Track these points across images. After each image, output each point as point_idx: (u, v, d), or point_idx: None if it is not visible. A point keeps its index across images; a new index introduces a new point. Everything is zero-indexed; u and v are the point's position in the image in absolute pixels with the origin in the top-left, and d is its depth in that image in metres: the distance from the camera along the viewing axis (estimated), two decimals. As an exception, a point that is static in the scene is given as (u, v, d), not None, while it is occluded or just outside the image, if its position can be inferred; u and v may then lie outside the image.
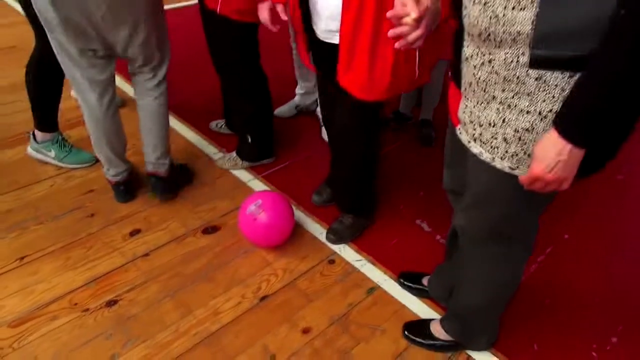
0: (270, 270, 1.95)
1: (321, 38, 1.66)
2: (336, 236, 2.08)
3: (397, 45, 1.05)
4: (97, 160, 2.39)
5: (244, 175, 2.45)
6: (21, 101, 2.86)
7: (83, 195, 2.25)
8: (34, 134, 2.39)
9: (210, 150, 2.61)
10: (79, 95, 1.93)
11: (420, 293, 1.87)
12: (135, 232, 2.08)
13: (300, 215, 2.22)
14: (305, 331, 1.72)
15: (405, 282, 1.90)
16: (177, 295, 1.83)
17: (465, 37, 1.06)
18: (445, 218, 2.23)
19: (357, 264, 2.00)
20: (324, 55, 1.71)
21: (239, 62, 2.20)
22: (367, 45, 1.51)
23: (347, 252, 2.06)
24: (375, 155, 1.99)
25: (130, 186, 2.24)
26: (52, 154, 2.39)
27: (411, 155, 2.68)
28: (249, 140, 2.41)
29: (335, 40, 1.58)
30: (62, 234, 2.04)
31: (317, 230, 2.15)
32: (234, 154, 2.49)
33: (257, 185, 2.39)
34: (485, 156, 1.09)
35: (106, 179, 2.21)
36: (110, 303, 1.78)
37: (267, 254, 2.02)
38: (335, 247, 2.07)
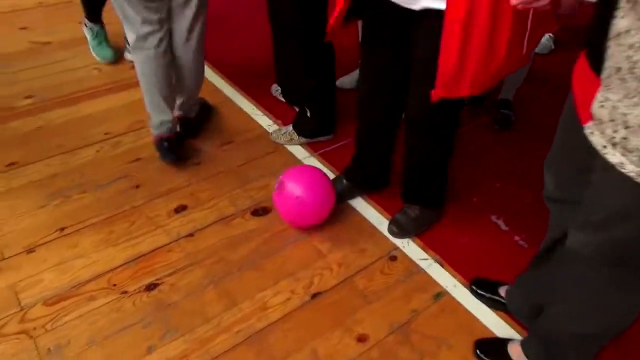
0: (323, 263, 1.75)
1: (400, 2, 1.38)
2: (400, 229, 1.85)
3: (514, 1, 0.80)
4: (116, 60, 2.73)
5: (299, 151, 2.24)
6: (74, 58, 2.76)
7: (129, 164, 2.11)
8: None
9: (265, 121, 2.41)
10: (131, 32, 1.88)
11: (495, 304, 1.62)
12: (181, 209, 1.93)
13: (359, 202, 1.99)
14: (361, 339, 1.52)
15: (479, 290, 1.65)
16: (221, 283, 1.66)
17: (622, 3, 0.77)
18: (525, 216, 1.97)
19: (422, 264, 1.77)
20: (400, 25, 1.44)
21: (301, 24, 1.96)
22: (487, 13, 1.22)
23: (411, 249, 1.82)
24: (455, 137, 1.74)
25: (175, 145, 2.07)
26: (89, 38, 2.76)
27: (485, 138, 2.38)
28: (308, 114, 2.19)
29: (434, 3, 1.30)
30: (106, 205, 1.92)
31: (378, 220, 1.92)
32: (290, 127, 2.28)
33: (313, 163, 2.18)
34: (629, 169, 0.82)
35: (152, 138, 2.08)
36: (151, 287, 1.64)
37: (320, 244, 1.82)
38: (398, 242, 1.84)
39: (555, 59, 2.95)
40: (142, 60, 1.93)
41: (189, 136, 2.22)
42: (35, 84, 2.56)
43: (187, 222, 1.88)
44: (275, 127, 2.36)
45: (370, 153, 1.92)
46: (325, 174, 1.85)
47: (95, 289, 1.63)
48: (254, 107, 2.49)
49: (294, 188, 1.74)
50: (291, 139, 2.26)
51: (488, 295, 1.63)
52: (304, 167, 1.91)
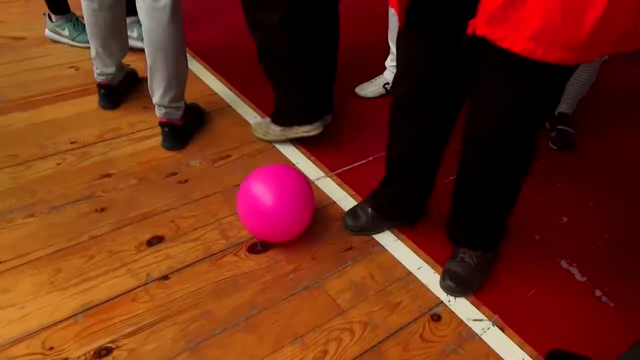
0: (342, 322, 1.28)
1: None
2: (460, 284, 1.37)
3: None
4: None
5: (311, 170, 1.79)
6: (48, 56, 2.35)
7: (96, 181, 1.67)
8: (49, 15, 2.40)
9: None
10: None
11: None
12: (155, 241, 1.47)
13: (388, 237, 1.53)
14: None
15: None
16: (200, 349, 1.20)
17: None
18: (605, 261, 1.49)
19: (476, 327, 1.30)
20: None
21: None
22: None
23: (459, 305, 1.35)
24: (531, 163, 1.28)
25: (115, 94, 2.02)
26: (66, 32, 2.41)
27: (544, 162, 1.92)
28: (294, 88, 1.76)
29: None
30: (58, 234, 1.46)
31: (415, 262, 1.46)
32: (267, 119, 1.89)
33: (328, 184, 1.72)
34: None
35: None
36: (102, 352, 1.18)
37: (338, 294, 1.35)
38: (442, 295, 1.37)
39: (617, 67, 2.51)
40: (85, 10, 1.82)
41: (174, 148, 1.83)
42: (-3, 82, 2.14)
43: (162, 259, 1.42)
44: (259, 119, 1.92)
45: (405, 178, 1.46)
46: (299, 176, 1.45)
47: (23, 354, 1.16)
48: (257, 116, 2.05)
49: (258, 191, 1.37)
50: (267, 132, 1.87)
51: None
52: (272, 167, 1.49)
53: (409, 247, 1.50)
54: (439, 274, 1.43)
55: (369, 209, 1.53)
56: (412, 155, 1.40)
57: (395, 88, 1.37)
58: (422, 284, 1.40)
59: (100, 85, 2.00)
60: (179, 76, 1.74)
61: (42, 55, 2.36)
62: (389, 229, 1.55)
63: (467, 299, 1.36)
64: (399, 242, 1.52)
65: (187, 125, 1.87)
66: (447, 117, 1.31)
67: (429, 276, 1.42)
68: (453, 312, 1.33)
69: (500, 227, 1.43)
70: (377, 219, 1.53)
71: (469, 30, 0.99)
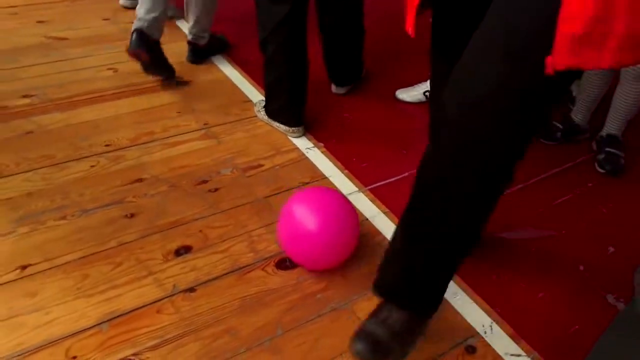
0: (372, 348, 1.22)
1: None
2: (375, 351, 1.06)
3: None
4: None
5: (344, 184, 1.73)
6: (88, 57, 2.38)
7: (128, 186, 1.66)
8: None
9: (304, 143, 1.92)
10: None
11: None
12: (183, 250, 1.44)
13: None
14: None
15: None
16: (223, 368, 1.16)
17: None
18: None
19: (515, 363, 1.22)
20: None
21: None
22: None
23: (496, 336, 1.27)
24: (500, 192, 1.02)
25: (147, 41, 2.03)
26: None
27: (588, 185, 1.82)
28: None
29: None
30: (87, 239, 1.45)
31: (450, 290, 1.37)
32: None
33: (361, 200, 1.67)
34: None
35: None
36: (123, 365, 1.15)
37: (365, 315, 1.28)
38: (478, 324, 1.30)
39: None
40: None
41: (196, 61, 2.41)
42: (37, 82, 2.17)
43: (189, 270, 1.39)
44: (316, 150, 1.88)
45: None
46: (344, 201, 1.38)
47: (46, 362, 1.15)
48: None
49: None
50: (259, 111, 2.04)
51: None
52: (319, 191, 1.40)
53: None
54: (475, 302, 1.35)
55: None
56: None
57: (430, 104, 1.29)
58: (457, 313, 1.33)
59: (136, 30, 2.04)
60: (206, 15, 2.29)
61: (82, 56, 2.39)
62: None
63: (505, 331, 1.28)
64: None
65: (208, 50, 2.43)
66: None
67: (465, 304, 1.35)
68: (489, 345, 1.25)
69: (447, 279, 1.11)
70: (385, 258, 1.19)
71: (549, 70, 0.80)
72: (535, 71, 0.82)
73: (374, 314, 1.12)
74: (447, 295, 1.35)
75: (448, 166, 0.95)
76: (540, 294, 1.39)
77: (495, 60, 0.86)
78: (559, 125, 2.03)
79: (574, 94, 2.22)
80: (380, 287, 1.15)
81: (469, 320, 1.31)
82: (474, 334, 1.28)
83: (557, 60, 0.79)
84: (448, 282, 1.12)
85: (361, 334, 1.08)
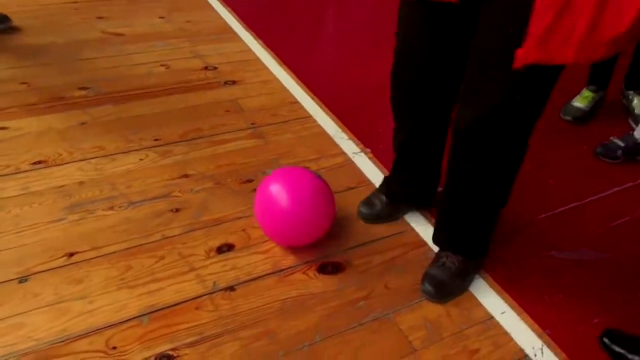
0: (413, 362, 1.18)
1: None
2: (439, 289, 1.33)
3: None
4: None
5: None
6: (143, 53, 2.43)
7: (174, 180, 1.67)
8: None
9: (350, 147, 1.89)
10: None
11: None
12: (225, 248, 1.44)
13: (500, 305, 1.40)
14: None
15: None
16: (260, 370, 1.14)
17: None
18: None
19: (567, 391, 1.14)
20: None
21: None
22: None
23: (548, 358, 1.20)
24: (519, 166, 1.25)
25: None
26: None
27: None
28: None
29: None
30: (133, 230, 1.47)
31: (499, 307, 1.32)
32: None
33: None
34: None
35: None
36: (162, 359, 1.15)
37: (411, 330, 1.24)
38: (527, 346, 1.23)
39: None
40: None
41: None
42: (93, 75, 2.23)
43: (230, 268, 1.38)
44: (363, 155, 1.84)
45: (413, 161, 1.48)
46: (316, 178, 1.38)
47: (87, 349, 1.15)
48: (339, 129, 1.99)
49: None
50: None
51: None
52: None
53: (492, 288, 1.37)
54: (525, 322, 1.29)
55: (383, 197, 1.54)
56: (417, 138, 1.39)
57: (395, 71, 1.31)
58: (505, 332, 1.26)
59: None
60: None
61: (137, 52, 2.44)
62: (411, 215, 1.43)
63: (557, 356, 1.21)
64: (480, 280, 1.39)
65: None
66: (450, 97, 1.27)
67: (514, 323, 1.28)
68: (539, 369, 1.18)
69: (484, 233, 1.37)
70: (391, 206, 1.54)
71: (519, 64, 0.96)
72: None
73: (434, 261, 1.38)
74: (495, 312, 1.30)
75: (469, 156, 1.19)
76: (595, 320, 1.31)
77: (495, 76, 1.04)
78: (620, 143, 1.92)
79: (636, 111, 2.10)
80: (436, 238, 1.42)
81: (517, 341, 1.24)
82: (523, 356, 1.21)
83: (526, 54, 0.94)
84: (487, 232, 1.37)
85: (427, 277, 1.35)
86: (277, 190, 1.33)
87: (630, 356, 1.19)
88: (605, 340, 1.23)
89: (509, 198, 1.29)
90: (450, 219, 1.37)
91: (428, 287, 1.32)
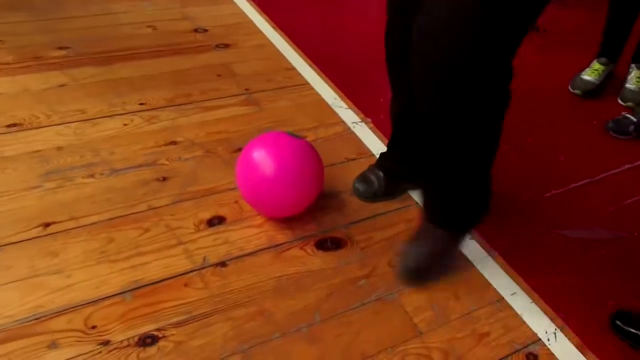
0: (419, 344, 1.09)
1: None
2: (412, 271, 1.21)
3: None
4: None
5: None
6: (128, 13, 2.27)
7: (161, 147, 1.55)
8: None
9: (349, 116, 1.78)
10: None
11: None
12: (216, 221, 1.33)
13: (479, 255, 1.32)
14: None
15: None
16: (254, 355, 1.04)
17: None
18: None
19: (583, 379, 1.07)
20: None
21: None
22: None
23: (561, 346, 1.12)
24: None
25: None
26: None
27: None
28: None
29: None
30: (116, 200, 1.35)
31: (509, 288, 1.24)
32: None
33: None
34: None
35: None
36: (146, 340, 1.05)
37: (416, 311, 1.16)
38: (540, 329, 1.15)
39: None
40: None
41: None
42: (75, 34, 2.07)
43: (221, 242, 1.27)
44: (364, 125, 1.73)
45: (410, 135, 1.34)
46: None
47: (63, 328, 1.05)
48: (337, 97, 1.87)
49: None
50: None
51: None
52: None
53: (502, 268, 1.28)
54: (537, 304, 1.20)
55: (380, 173, 1.42)
56: (414, 109, 1.13)
57: (388, 31, 1.21)
58: (516, 314, 1.18)
59: None
60: None
61: (122, 12, 2.29)
62: (414, 202, 1.34)
63: (570, 340, 1.13)
64: (489, 259, 1.30)
65: None
66: None
67: (525, 305, 1.20)
68: (553, 355, 1.10)
69: (466, 202, 1.17)
70: (389, 183, 1.42)
71: None
72: None
73: (414, 237, 1.24)
74: (505, 293, 1.21)
75: (438, 90, 0.94)
76: (609, 302, 1.23)
77: None
78: (632, 118, 1.83)
79: (626, 84, 2.01)
80: (426, 213, 1.23)
81: (529, 324, 1.16)
82: (536, 340, 1.13)
83: None
84: (471, 201, 1.18)
85: (404, 258, 1.22)
86: (256, 157, 1.22)
87: None
88: (618, 322, 1.16)
89: (493, 158, 1.11)
90: (427, 184, 1.21)
91: (404, 272, 1.21)
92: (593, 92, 2.01)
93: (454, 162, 1.08)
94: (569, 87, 2.05)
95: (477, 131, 1.02)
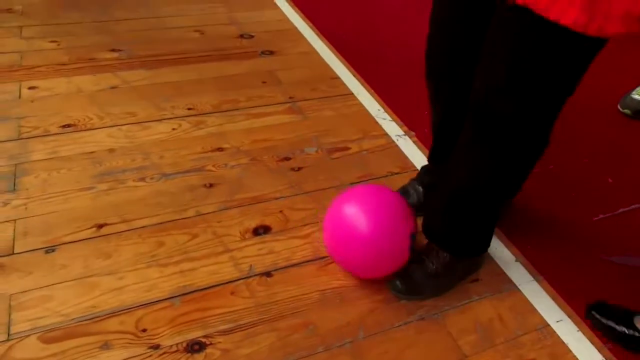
0: (463, 369, 1.09)
1: None
2: (407, 286, 1.20)
3: None
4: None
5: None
6: (178, 16, 2.32)
7: (208, 154, 1.58)
8: None
9: (393, 129, 1.78)
10: None
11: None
12: (261, 230, 1.35)
13: (525, 279, 1.30)
14: None
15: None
16: (299, 366, 1.06)
17: None
18: None
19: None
20: None
21: None
22: None
23: None
24: (535, 160, 1.11)
25: None
26: None
27: None
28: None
29: None
30: (165, 204, 1.39)
31: (555, 315, 1.22)
32: None
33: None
34: None
35: None
36: (194, 347, 1.07)
37: (461, 334, 1.15)
38: (585, 359, 1.13)
39: None
40: None
41: None
42: (126, 37, 2.13)
43: (266, 252, 1.29)
44: (407, 138, 1.73)
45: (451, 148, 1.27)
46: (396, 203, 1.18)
47: (116, 330, 1.08)
48: (380, 109, 1.87)
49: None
50: None
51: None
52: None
53: (548, 293, 1.26)
54: (583, 332, 1.18)
55: (420, 187, 1.42)
56: (457, 118, 1.18)
57: (428, 55, 1.22)
58: (562, 342, 1.16)
59: None
60: None
61: (171, 15, 2.34)
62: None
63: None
64: (535, 284, 1.29)
65: None
66: None
67: (571, 333, 1.18)
68: (596, 384, 1.09)
69: (478, 230, 1.22)
70: (428, 197, 1.39)
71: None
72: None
73: (419, 253, 1.23)
74: (550, 319, 1.20)
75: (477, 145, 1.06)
76: (659, 335, 1.20)
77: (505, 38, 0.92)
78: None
79: (632, 94, 1.95)
80: (424, 226, 1.26)
81: (575, 352, 1.14)
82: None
83: None
84: (483, 229, 1.22)
85: (401, 273, 1.20)
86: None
87: (619, 328, 1.15)
88: (594, 313, 1.19)
89: (517, 192, 1.21)
90: (442, 207, 1.20)
91: (397, 282, 1.20)
92: (644, 112, 1.96)
93: (482, 191, 1.13)
94: (619, 107, 2.00)
95: (510, 170, 1.10)
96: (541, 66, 0.90)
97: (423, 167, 1.47)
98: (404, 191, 1.44)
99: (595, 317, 1.18)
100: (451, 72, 1.18)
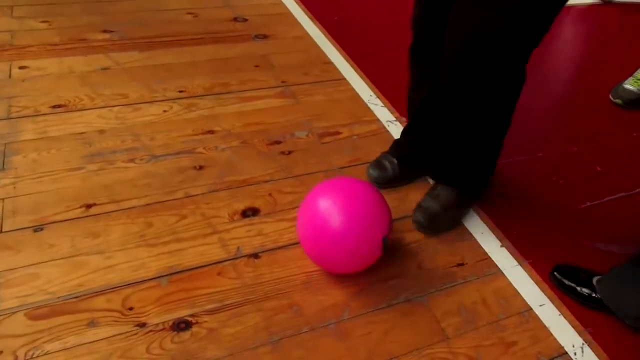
0: (446, 349, 1.10)
1: None
2: (429, 221, 1.34)
3: None
4: None
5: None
6: (169, -3, 2.30)
7: (199, 136, 1.58)
8: None
9: (384, 114, 1.78)
10: None
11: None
12: (250, 212, 1.36)
13: (509, 263, 1.32)
14: None
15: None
16: (283, 346, 1.07)
17: None
18: None
19: (609, 395, 1.07)
20: None
21: None
22: None
23: (588, 358, 1.13)
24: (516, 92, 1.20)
25: None
26: None
27: None
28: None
29: None
30: (154, 185, 1.39)
31: (538, 299, 1.24)
32: None
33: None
34: None
35: None
36: (181, 325, 1.08)
37: (445, 316, 1.17)
38: (567, 343, 1.15)
39: None
40: None
41: None
42: (119, 18, 2.12)
43: (255, 234, 1.30)
44: (398, 124, 1.73)
45: (427, 122, 1.39)
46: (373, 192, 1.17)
47: (102, 308, 1.09)
48: (372, 94, 1.87)
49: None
50: None
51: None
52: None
53: (532, 278, 1.28)
54: (564, 316, 1.20)
55: (394, 159, 1.46)
56: (432, 99, 1.30)
57: (414, 26, 1.29)
58: (544, 326, 1.18)
59: None
60: None
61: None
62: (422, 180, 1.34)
63: (598, 356, 1.13)
64: (519, 268, 1.30)
65: None
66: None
67: (553, 317, 1.20)
68: (580, 368, 1.11)
69: (478, 164, 1.34)
70: (403, 169, 1.46)
71: None
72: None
73: (428, 192, 1.38)
74: (533, 303, 1.21)
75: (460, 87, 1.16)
76: (640, 320, 1.22)
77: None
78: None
79: (624, 84, 1.97)
80: (432, 171, 1.43)
81: (556, 336, 1.16)
82: (562, 353, 1.13)
83: None
84: (483, 163, 1.34)
85: (418, 208, 1.35)
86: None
87: (579, 289, 1.21)
88: (556, 274, 1.25)
89: (507, 128, 1.27)
90: (441, 148, 1.33)
91: (419, 216, 1.33)
92: (635, 102, 1.97)
93: (472, 131, 1.24)
94: (610, 96, 2.01)
95: (493, 110, 1.20)
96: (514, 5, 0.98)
97: (395, 140, 1.51)
98: (378, 164, 1.46)
99: (557, 277, 1.24)
100: (435, 45, 1.20)
